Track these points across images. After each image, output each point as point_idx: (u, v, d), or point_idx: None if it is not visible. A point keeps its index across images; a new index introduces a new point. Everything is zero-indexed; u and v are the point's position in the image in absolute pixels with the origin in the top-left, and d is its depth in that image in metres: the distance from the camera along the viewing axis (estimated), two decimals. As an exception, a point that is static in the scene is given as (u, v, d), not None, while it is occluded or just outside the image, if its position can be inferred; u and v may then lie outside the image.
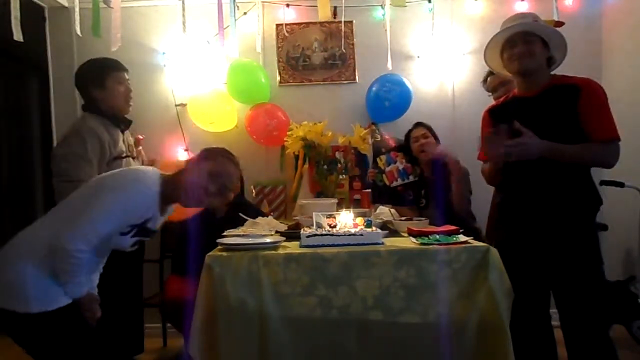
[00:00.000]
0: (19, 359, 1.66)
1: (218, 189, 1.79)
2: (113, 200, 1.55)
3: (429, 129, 2.88)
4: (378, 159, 2.85)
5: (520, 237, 2.04)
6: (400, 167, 2.80)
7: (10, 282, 1.50)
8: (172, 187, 1.72)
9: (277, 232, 2.28)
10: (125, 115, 2.49)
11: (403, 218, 2.55)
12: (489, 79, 2.80)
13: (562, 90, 1.95)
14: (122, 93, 2.40)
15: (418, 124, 2.91)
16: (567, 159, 1.90)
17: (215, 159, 1.83)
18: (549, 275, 1.99)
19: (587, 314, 1.92)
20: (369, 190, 3.02)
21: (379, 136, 2.86)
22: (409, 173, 2.80)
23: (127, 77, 2.46)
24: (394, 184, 2.80)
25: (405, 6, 3.39)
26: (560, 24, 2.14)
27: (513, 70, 2.05)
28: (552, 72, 2.06)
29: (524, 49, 1.97)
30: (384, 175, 2.80)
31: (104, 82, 2.35)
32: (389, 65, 3.41)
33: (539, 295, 2.04)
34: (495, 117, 2.15)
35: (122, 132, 2.46)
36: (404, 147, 2.88)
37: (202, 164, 1.80)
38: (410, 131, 2.91)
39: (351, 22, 3.63)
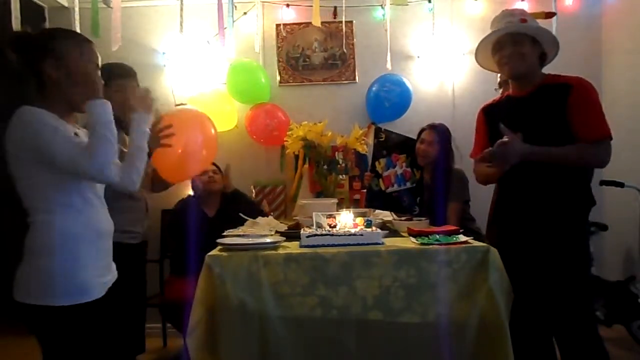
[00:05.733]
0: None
1: (98, 74, 1.61)
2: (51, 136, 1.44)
3: (442, 134, 2.79)
4: (377, 162, 2.79)
5: (512, 237, 2.04)
6: (399, 172, 2.75)
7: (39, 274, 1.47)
8: (55, 101, 1.54)
9: (277, 232, 2.28)
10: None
11: (403, 218, 2.54)
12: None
13: (553, 89, 1.93)
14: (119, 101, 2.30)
15: (432, 127, 2.83)
16: (553, 161, 1.88)
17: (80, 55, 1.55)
18: (540, 276, 1.99)
19: (573, 314, 1.92)
20: (365, 190, 2.98)
21: (383, 135, 2.79)
22: (407, 179, 2.75)
23: (130, 83, 2.36)
24: (390, 189, 2.75)
25: (407, 4, 3.40)
26: (551, 15, 2.11)
27: (505, 74, 2.06)
28: (547, 72, 2.05)
29: (513, 51, 1.95)
30: (380, 180, 2.76)
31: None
32: (389, 65, 3.41)
33: (534, 295, 2.04)
34: (488, 116, 2.15)
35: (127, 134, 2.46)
36: (411, 145, 2.83)
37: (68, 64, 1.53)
38: (423, 130, 2.87)
39: (351, 22, 3.63)
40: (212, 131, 2.61)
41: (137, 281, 2.64)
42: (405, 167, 2.75)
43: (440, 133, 2.80)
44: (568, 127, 1.89)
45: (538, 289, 2.01)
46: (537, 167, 1.89)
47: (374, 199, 2.75)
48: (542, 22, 2.12)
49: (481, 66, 2.19)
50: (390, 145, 2.77)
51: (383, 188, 2.74)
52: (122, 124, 2.39)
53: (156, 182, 2.60)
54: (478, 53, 2.12)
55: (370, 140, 3.30)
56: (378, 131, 2.79)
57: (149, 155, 1.96)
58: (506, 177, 2.00)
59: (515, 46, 1.95)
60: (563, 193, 1.93)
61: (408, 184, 2.74)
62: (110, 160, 1.50)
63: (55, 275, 1.46)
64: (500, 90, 2.73)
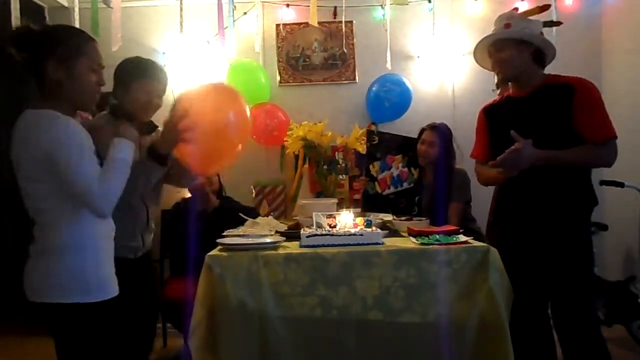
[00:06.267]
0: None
1: (99, 75, 1.57)
2: (68, 147, 1.42)
3: (443, 134, 2.78)
4: (371, 166, 2.76)
5: (516, 238, 2.05)
6: (395, 173, 2.71)
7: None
8: (57, 100, 1.51)
9: (277, 232, 2.28)
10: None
11: (403, 218, 2.54)
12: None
13: (555, 89, 1.94)
14: (141, 101, 2.03)
15: (433, 128, 2.82)
16: (563, 164, 1.89)
17: (78, 51, 1.51)
18: (543, 276, 2.00)
19: (576, 314, 1.93)
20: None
21: (376, 138, 2.76)
22: (404, 179, 2.72)
23: (151, 85, 2.03)
24: (386, 192, 2.71)
25: (407, 4, 3.39)
26: (545, 7, 2.12)
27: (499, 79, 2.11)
28: (547, 71, 2.05)
29: (496, 58, 2.02)
30: (376, 183, 2.73)
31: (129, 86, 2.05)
32: (388, 65, 3.41)
33: (536, 295, 2.05)
34: (489, 117, 2.16)
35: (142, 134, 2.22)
36: (410, 144, 2.81)
37: (69, 63, 1.50)
38: (423, 131, 2.86)
39: (351, 22, 3.63)
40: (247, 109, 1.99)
41: (142, 297, 2.38)
42: (401, 168, 2.72)
43: (441, 133, 2.79)
44: (572, 128, 1.89)
45: (541, 289, 2.02)
46: (540, 168, 1.89)
47: (370, 203, 2.72)
48: (539, 16, 2.10)
49: (482, 67, 2.21)
50: (384, 147, 2.74)
51: (379, 191, 2.70)
52: (134, 124, 2.21)
53: (181, 176, 2.21)
54: (476, 59, 2.17)
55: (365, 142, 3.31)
56: (371, 134, 2.75)
57: (166, 159, 1.82)
58: (509, 178, 2.01)
59: (497, 53, 2.01)
60: (566, 193, 1.94)
61: (405, 185, 2.71)
62: (116, 198, 1.51)
63: (81, 273, 1.46)
64: (498, 91, 2.72)
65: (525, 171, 1.89)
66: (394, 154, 2.71)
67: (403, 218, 2.53)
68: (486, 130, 2.16)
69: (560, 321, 1.96)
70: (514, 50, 1.98)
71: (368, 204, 2.72)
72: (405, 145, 2.75)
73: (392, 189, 2.69)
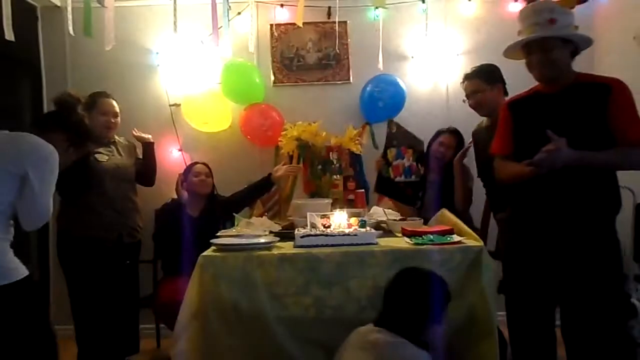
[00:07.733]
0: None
1: None
2: None
3: (460, 140, 2.91)
4: (388, 151, 2.91)
5: (536, 239, 1.95)
6: (407, 164, 2.87)
7: None
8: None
9: (271, 232, 2.28)
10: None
11: (397, 218, 2.56)
12: (465, 82, 2.73)
13: (590, 88, 1.86)
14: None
15: (452, 132, 2.94)
16: (598, 165, 1.83)
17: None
18: (559, 285, 1.91)
19: (596, 330, 1.84)
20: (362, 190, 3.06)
21: (394, 127, 2.90)
22: (413, 172, 2.87)
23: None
24: (398, 179, 2.88)
25: (386, 8, 3.36)
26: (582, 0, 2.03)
27: (534, 76, 1.98)
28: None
29: (542, 58, 1.87)
30: (390, 168, 2.87)
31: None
32: (380, 66, 3.41)
33: (547, 304, 1.99)
34: (514, 112, 2.06)
35: None
36: (417, 143, 2.92)
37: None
38: (441, 133, 2.95)
39: (345, 22, 3.62)
40: None
41: (129, 281, 2.73)
42: (412, 161, 2.89)
43: (459, 139, 2.93)
44: (606, 128, 1.82)
45: (554, 291, 1.94)
46: (567, 167, 1.80)
47: (383, 185, 2.91)
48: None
49: (511, 59, 2.08)
50: (401, 138, 2.90)
51: (392, 176, 2.88)
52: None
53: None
54: (507, 52, 2.03)
55: (365, 140, 3.42)
56: (391, 122, 2.92)
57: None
58: (529, 182, 1.92)
59: (544, 53, 1.86)
60: (594, 197, 1.87)
61: (413, 177, 2.89)
62: None
63: None
64: (468, 102, 2.73)
65: (551, 170, 1.81)
66: (407, 147, 2.91)
67: (397, 218, 2.55)
68: (511, 126, 2.05)
69: (573, 336, 1.89)
70: (561, 49, 1.87)
71: (381, 185, 2.93)
72: (414, 143, 2.89)
73: (403, 178, 2.89)
